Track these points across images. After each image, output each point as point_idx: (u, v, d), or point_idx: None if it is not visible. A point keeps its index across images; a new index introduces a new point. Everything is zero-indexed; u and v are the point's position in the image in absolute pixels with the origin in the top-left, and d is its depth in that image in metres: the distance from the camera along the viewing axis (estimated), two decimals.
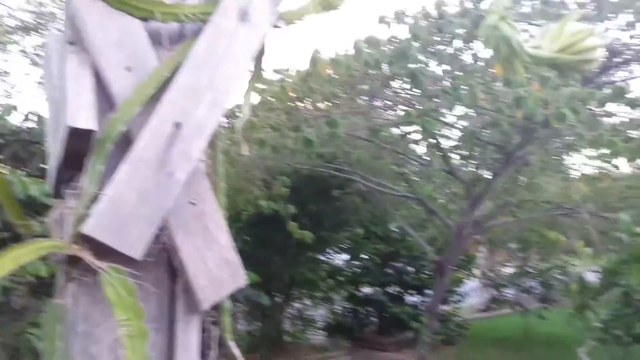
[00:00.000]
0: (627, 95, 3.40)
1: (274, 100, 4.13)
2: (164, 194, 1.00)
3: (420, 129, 4.44)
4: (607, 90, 4.19)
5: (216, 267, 1.07)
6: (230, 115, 4.24)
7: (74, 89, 0.98)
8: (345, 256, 10.11)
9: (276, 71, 5.02)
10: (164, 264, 1.06)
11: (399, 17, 3.68)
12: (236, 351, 1.16)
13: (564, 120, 3.21)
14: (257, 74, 1.49)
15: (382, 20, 3.74)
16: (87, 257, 0.96)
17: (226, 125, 4.53)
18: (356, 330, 9.70)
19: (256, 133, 3.90)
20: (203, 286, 1.06)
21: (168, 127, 1.02)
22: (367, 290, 10.18)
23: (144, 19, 1.07)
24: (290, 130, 3.75)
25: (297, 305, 9.45)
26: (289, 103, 3.99)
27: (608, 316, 2.70)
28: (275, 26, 1.39)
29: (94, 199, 0.97)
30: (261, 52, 1.51)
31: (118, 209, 0.97)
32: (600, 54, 1.01)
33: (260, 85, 5.51)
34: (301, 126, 3.68)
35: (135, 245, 0.98)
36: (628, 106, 3.76)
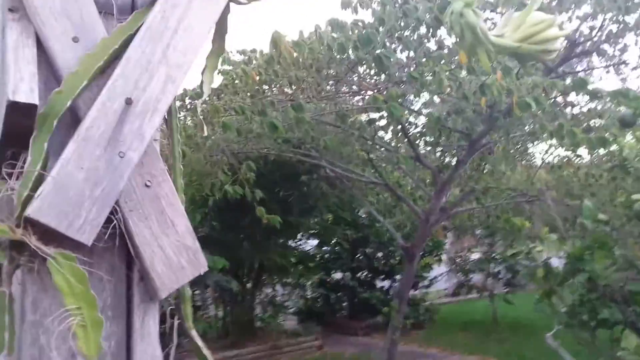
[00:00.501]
0: (588, 87, 3.45)
1: (238, 83, 4.04)
2: (114, 175, 0.94)
3: (387, 115, 4.42)
4: (568, 81, 4.26)
5: (174, 253, 1.01)
6: (192, 95, 4.13)
7: (14, 60, 0.90)
8: (314, 242, 10.13)
9: (241, 52, 4.93)
10: (119, 249, 1.00)
11: (363, 1, 3.64)
12: (198, 341, 1.11)
13: (528, 109, 3.24)
14: (217, 51, 1.42)
15: (345, 4, 3.69)
16: (33, 242, 0.89)
17: (187, 106, 4.44)
18: (327, 315, 9.76)
19: (220, 117, 3.81)
20: (160, 273, 1.00)
21: (119, 103, 0.95)
22: (337, 275, 10.23)
23: None
24: (255, 114, 3.67)
25: (268, 290, 9.43)
26: (254, 86, 3.90)
27: (574, 301, 2.75)
28: (239, 2, 1.33)
29: (39, 179, 0.90)
30: (223, 30, 1.45)
31: (65, 190, 0.90)
32: (560, 45, 1.01)
33: (225, 67, 5.40)
34: (266, 110, 3.60)
35: (85, 230, 0.91)
36: (589, 97, 3.83)
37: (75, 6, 0.97)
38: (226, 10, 1.43)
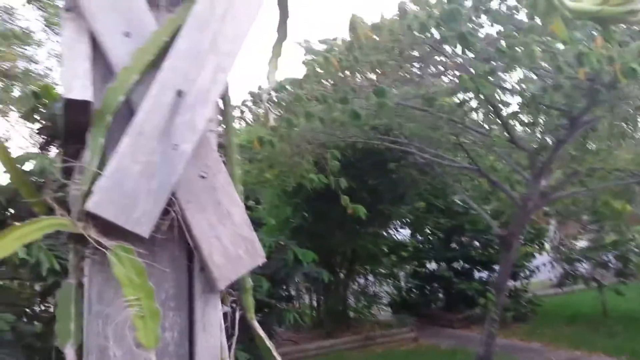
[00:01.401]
0: None
1: (320, 71, 4.02)
2: (169, 167, 0.94)
3: (475, 95, 4.19)
4: None
5: (231, 244, 1.00)
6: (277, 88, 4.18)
7: (69, 57, 0.93)
8: (407, 231, 9.95)
9: (322, 42, 4.90)
10: (179, 241, 1.01)
11: None
12: (260, 331, 1.10)
13: (634, 76, 2.91)
14: (281, 38, 1.39)
15: None
16: (93, 235, 0.91)
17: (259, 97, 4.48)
18: (422, 307, 9.56)
19: (303, 106, 3.81)
20: (219, 264, 1.00)
21: (170, 96, 0.95)
22: (432, 266, 9.98)
23: None
24: (337, 102, 3.62)
25: (360, 281, 9.42)
26: (336, 74, 3.86)
27: None
28: None
29: (97, 174, 0.92)
30: (285, 15, 1.42)
31: (121, 184, 0.92)
32: None
33: (307, 58, 5.42)
34: (348, 98, 3.54)
35: (142, 222, 0.92)
36: None
37: (126, 1, 0.98)
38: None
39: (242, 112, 5.40)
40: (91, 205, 0.90)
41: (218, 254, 0.99)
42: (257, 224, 5.93)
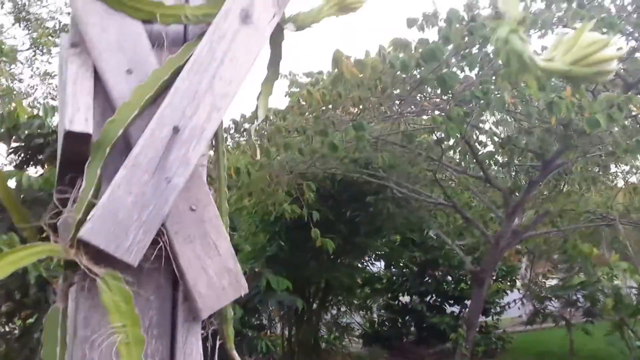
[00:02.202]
0: None
1: (304, 103, 4.12)
2: (161, 200, 0.98)
3: (446, 136, 4.34)
4: None
5: (216, 275, 1.04)
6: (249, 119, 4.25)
7: (72, 91, 0.98)
8: (382, 264, 10.00)
9: (307, 74, 5.02)
10: (165, 270, 1.05)
11: (429, 19, 3.61)
12: None
13: (597, 126, 3.06)
14: (272, 77, 1.46)
15: (411, 23, 3.68)
16: (84, 262, 0.95)
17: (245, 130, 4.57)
18: (394, 340, 9.55)
19: (283, 137, 3.89)
20: (203, 294, 1.03)
21: (166, 132, 1.00)
22: (405, 299, 10.02)
23: (145, 21, 1.07)
24: (317, 134, 3.72)
25: (334, 312, 9.39)
26: (318, 107, 3.96)
27: None
28: (286, 29, 1.37)
29: (92, 203, 0.96)
30: (278, 56, 1.49)
31: (114, 214, 0.96)
32: (616, 65, 0.96)
33: (292, 89, 5.53)
34: (328, 130, 3.64)
35: (132, 251, 0.96)
36: None
37: (130, 40, 1.04)
38: (279, 38, 1.47)
39: (224, 139, 5.46)
40: (84, 233, 0.94)
41: (203, 285, 1.03)
42: (234, 251, 5.93)
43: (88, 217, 0.94)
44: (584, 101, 3.16)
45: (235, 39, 1.08)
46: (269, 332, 8.31)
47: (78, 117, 0.96)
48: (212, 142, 1.12)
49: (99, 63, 1.01)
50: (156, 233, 1.00)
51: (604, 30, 3.76)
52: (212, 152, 1.15)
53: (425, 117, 5.30)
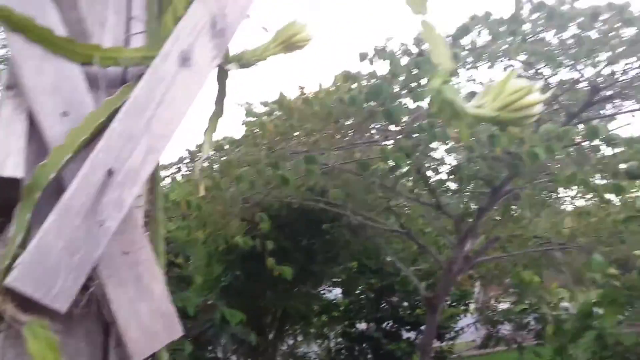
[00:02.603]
0: (602, 135, 3.42)
1: (258, 134, 4.14)
2: (92, 244, 0.97)
3: (408, 163, 4.45)
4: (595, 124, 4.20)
5: (150, 319, 1.03)
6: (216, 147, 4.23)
7: (4, 135, 0.96)
8: (339, 291, 9.99)
9: (263, 104, 5.06)
10: (96, 315, 1.03)
11: (380, 54, 3.72)
12: None
13: (536, 159, 3.21)
14: (217, 114, 1.48)
15: (363, 57, 3.78)
16: (9, 310, 0.92)
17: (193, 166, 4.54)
18: None
19: (235, 169, 3.89)
20: (135, 339, 1.02)
21: (100, 175, 1.00)
22: (362, 326, 10.00)
23: (83, 63, 1.07)
24: (268, 166, 3.74)
25: (290, 342, 9.28)
26: (272, 138, 3.99)
27: (588, 359, 2.62)
28: (228, 69, 1.39)
29: (20, 249, 0.94)
30: (223, 94, 1.51)
31: (43, 259, 0.94)
32: (540, 109, 1.03)
33: (249, 119, 5.53)
34: (279, 163, 3.67)
35: (60, 297, 0.94)
36: (605, 144, 3.78)
37: (67, 83, 1.04)
38: (224, 76, 1.49)
39: (178, 168, 5.40)
40: (11, 280, 0.91)
41: (135, 329, 1.02)
42: (186, 282, 5.81)
43: (15, 264, 0.92)
44: (525, 133, 3.31)
45: (174, 82, 1.09)
46: None
47: (9, 161, 0.94)
48: (149, 184, 1.12)
49: (34, 106, 1.00)
50: (88, 278, 0.98)
51: (543, 63, 3.97)
52: (149, 194, 1.14)
53: (377, 146, 5.40)
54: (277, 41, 1.55)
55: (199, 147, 4.61)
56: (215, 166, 4.54)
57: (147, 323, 1.02)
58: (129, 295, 1.02)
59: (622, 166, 3.72)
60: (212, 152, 4.85)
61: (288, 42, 1.55)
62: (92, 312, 1.01)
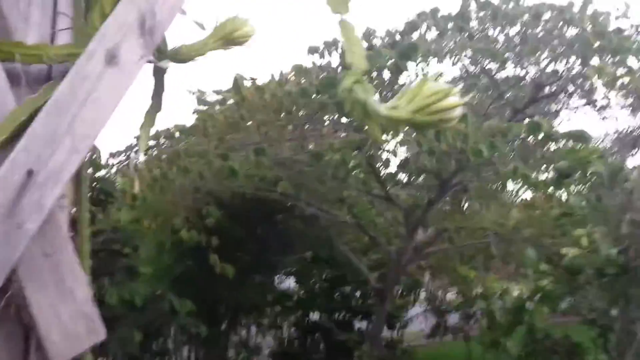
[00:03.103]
0: (544, 130, 3.56)
1: (208, 124, 4.09)
2: (10, 246, 0.95)
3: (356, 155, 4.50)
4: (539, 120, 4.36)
5: (71, 321, 1.02)
6: (167, 135, 4.15)
7: None
8: (292, 281, 10.03)
9: (216, 92, 4.99)
10: (16, 319, 1.00)
11: (329, 47, 3.74)
12: None
13: (480, 156, 3.32)
14: (155, 109, 1.46)
15: (312, 50, 3.79)
16: None
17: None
18: (303, 358, 9.56)
19: (183, 160, 3.84)
20: (56, 342, 1.00)
21: (19, 175, 0.97)
22: (315, 316, 10.08)
23: (4, 60, 1.03)
24: (218, 158, 3.71)
25: (243, 332, 9.27)
26: (222, 129, 3.95)
27: (519, 353, 2.74)
28: (160, 66, 1.37)
29: None
30: (160, 88, 1.49)
31: None
32: (460, 112, 1.04)
33: (200, 107, 5.45)
34: (229, 154, 3.65)
35: None
36: (548, 139, 3.93)
37: None
38: (161, 71, 1.47)
39: (128, 157, 5.29)
40: None
41: (56, 332, 1.00)
42: (134, 272, 5.69)
43: None
44: (469, 129, 3.41)
45: (100, 80, 1.07)
46: (174, 357, 8.03)
47: None
48: (74, 184, 1.10)
49: None
50: (7, 280, 0.96)
51: (489, 60, 4.08)
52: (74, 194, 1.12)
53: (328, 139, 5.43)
54: (216, 37, 1.54)
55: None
56: (164, 156, 4.47)
57: (69, 326, 1.01)
58: (49, 298, 1.00)
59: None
60: (163, 141, 4.77)
61: (228, 38, 1.55)
62: (11, 315, 0.99)
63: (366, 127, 1.08)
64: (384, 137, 5.70)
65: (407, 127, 1.25)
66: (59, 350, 1.00)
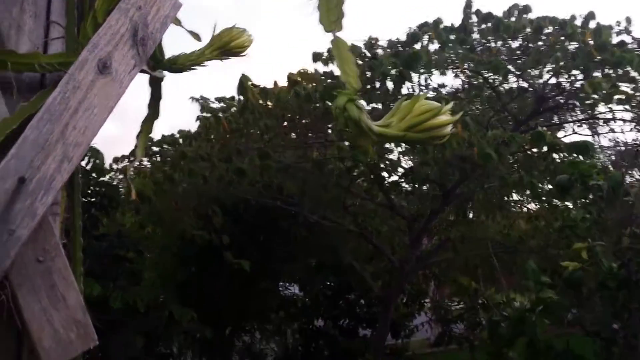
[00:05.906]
0: (547, 141, 3.55)
1: (212, 130, 4.12)
2: (2, 252, 0.96)
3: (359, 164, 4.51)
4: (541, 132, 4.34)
5: (63, 327, 1.03)
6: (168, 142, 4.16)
7: None
8: (296, 288, 10.01)
9: (219, 100, 5.03)
10: (9, 324, 1.02)
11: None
12: None
13: (489, 160, 3.31)
14: (152, 116, 1.47)
15: (316, 57, 3.81)
16: None
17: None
18: None
19: (187, 163, 3.86)
20: (48, 348, 1.01)
21: (11, 183, 0.99)
22: (319, 323, 10.05)
23: None
24: (222, 161, 3.73)
25: (246, 338, 9.25)
26: (226, 134, 3.98)
27: None
28: (156, 77, 1.39)
29: None
30: (157, 96, 1.50)
31: None
32: (450, 130, 1.05)
33: (204, 114, 5.48)
34: (233, 158, 3.66)
35: None
36: (549, 150, 3.92)
37: None
38: (157, 80, 1.49)
39: (131, 161, 5.31)
40: None
41: (48, 338, 1.01)
42: (137, 277, 5.72)
43: None
44: (474, 138, 3.41)
45: (92, 89, 1.08)
46: None
47: None
48: (67, 191, 1.12)
49: None
50: None
51: (489, 73, 4.08)
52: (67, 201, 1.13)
53: (334, 145, 5.44)
54: (213, 47, 1.55)
55: (151, 140, 4.55)
56: (168, 159, 4.50)
57: (61, 332, 1.02)
58: (41, 304, 1.01)
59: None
60: (167, 147, 4.79)
61: (225, 48, 1.56)
62: (4, 320, 1.00)
63: (359, 144, 1.09)
64: (386, 145, 5.71)
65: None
66: (51, 356, 1.01)
